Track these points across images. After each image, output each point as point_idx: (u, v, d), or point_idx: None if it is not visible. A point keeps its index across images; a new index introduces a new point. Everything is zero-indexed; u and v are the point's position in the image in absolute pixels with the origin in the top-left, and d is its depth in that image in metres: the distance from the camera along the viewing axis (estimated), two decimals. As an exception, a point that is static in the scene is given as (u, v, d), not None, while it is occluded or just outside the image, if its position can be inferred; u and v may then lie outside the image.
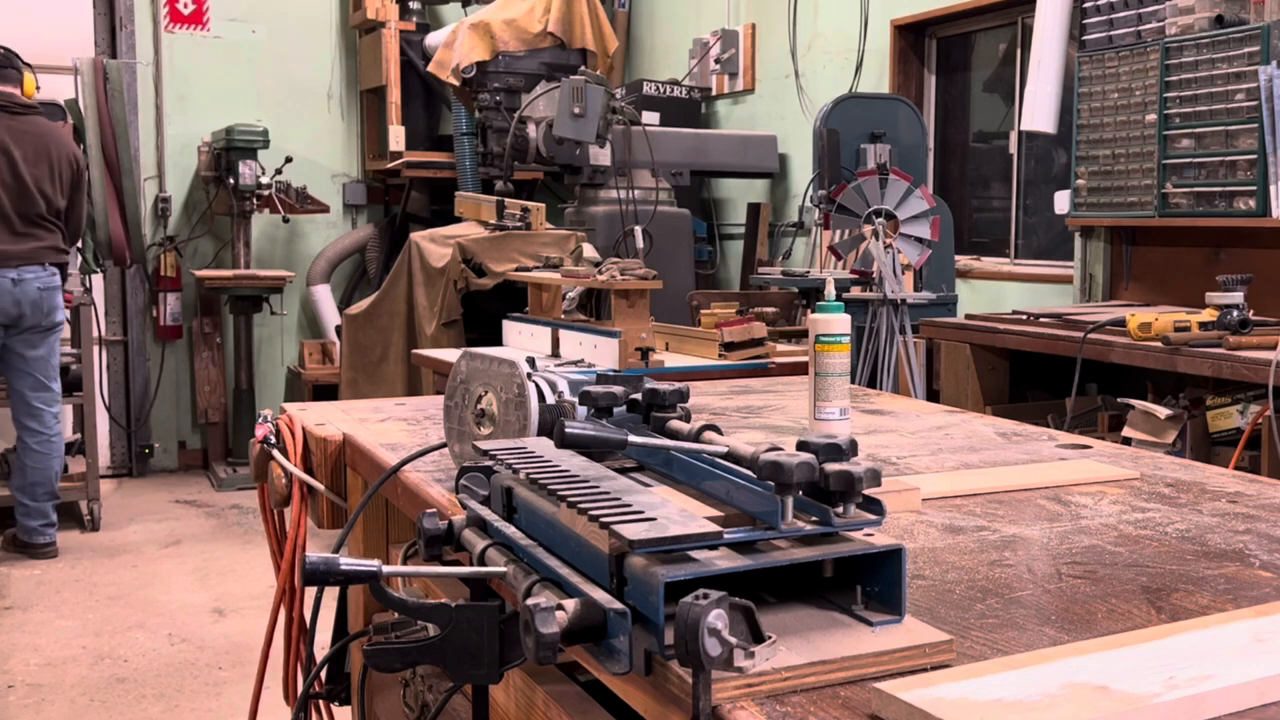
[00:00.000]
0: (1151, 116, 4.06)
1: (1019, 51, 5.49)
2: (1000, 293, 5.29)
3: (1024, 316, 4.03)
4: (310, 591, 1.89)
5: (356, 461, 1.91)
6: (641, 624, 0.91)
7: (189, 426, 7.58)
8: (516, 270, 4.36)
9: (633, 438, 1.10)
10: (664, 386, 1.24)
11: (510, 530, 1.13)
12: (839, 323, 1.87)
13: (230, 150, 7.07)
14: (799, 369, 3.33)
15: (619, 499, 1.00)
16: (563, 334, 3.62)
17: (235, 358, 7.35)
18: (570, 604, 0.93)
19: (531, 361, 1.50)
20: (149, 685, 3.91)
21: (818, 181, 5.07)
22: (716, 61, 7.24)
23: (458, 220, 5.35)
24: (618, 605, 0.92)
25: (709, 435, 1.14)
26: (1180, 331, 3.26)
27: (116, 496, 6.70)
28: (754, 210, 6.85)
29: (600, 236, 5.27)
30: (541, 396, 1.41)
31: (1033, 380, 4.11)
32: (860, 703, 0.87)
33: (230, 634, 4.38)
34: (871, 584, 0.99)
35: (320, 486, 1.97)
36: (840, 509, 0.97)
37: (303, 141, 7.61)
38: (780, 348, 3.77)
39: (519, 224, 4.91)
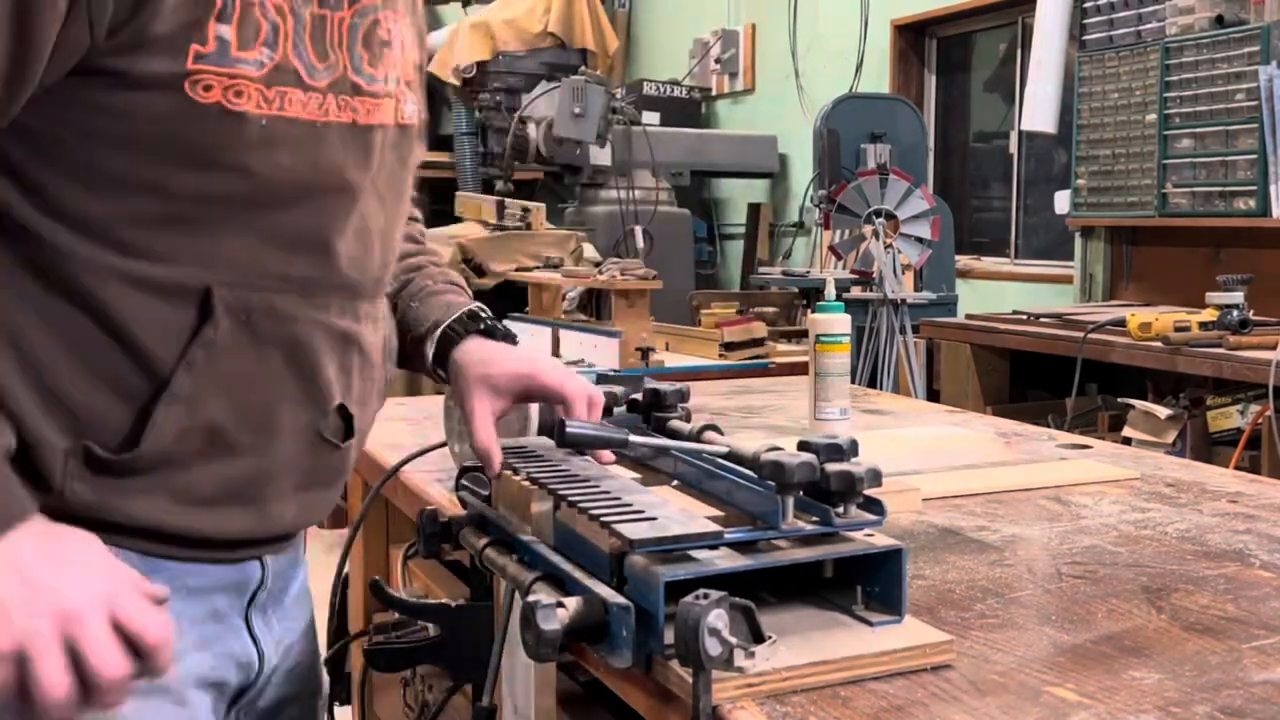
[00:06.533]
0: (1151, 116, 4.06)
1: (1019, 51, 5.49)
2: (1000, 293, 5.29)
3: (1024, 316, 4.03)
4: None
5: (357, 461, 1.90)
6: (642, 623, 0.91)
7: (189, 426, 7.56)
8: (517, 270, 4.36)
9: (633, 437, 1.10)
10: (664, 386, 1.24)
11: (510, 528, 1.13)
12: (839, 323, 1.87)
13: (230, 150, 7.06)
14: (799, 369, 3.33)
15: (619, 498, 1.00)
16: (563, 334, 3.62)
17: (235, 357, 7.33)
18: (571, 601, 0.93)
19: (532, 361, 1.50)
20: (149, 685, 3.90)
21: (818, 181, 5.07)
22: (716, 61, 7.24)
23: (458, 220, 5.36)
24: (620, 599, 0.91)
25: (709, 435, 1.14)
26: (1180, 331, 3.26)
27: (116, 496, 6.68)
28: (754, 210, 6.85)
29: (600, 236, 5.27)
30: (542, 396, 1.41)
31: (1033, 380, 4.11)
32: (861, 703, 0.87)
33: (230, 634, 4.37)
34: (872, 584, 0.99)
35: (320, 486, 1.95)
36: (841, 509, 0.97)
37: (303, 141, 7.58)
38: (780, 348, 3.77)
39: (519, 224, 4.91)
